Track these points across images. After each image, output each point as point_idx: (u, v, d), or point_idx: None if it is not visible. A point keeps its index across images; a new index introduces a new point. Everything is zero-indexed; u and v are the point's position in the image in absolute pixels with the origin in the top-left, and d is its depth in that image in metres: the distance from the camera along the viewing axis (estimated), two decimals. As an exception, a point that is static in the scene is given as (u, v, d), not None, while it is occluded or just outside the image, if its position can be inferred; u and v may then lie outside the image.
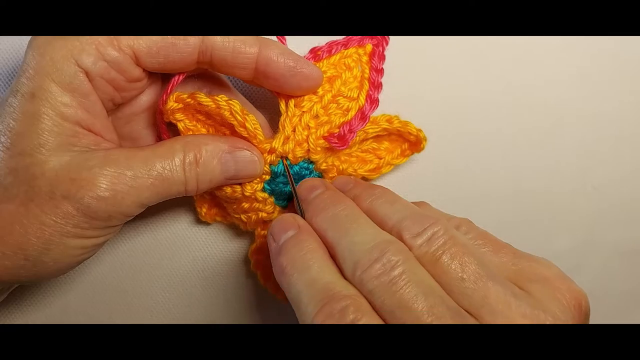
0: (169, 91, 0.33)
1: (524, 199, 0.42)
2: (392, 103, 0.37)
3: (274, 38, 0.34)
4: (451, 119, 0.41)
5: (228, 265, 0.41)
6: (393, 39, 0.37)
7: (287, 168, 0.35)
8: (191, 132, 0.34)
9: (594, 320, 0.43)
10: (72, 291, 0.40)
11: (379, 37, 0.36)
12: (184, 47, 0.31)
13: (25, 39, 0.30)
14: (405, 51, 0.38)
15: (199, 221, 0.40)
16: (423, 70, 0.40)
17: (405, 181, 0.41)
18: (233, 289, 0.42)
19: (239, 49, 0.31)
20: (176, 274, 0.41)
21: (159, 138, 0.35)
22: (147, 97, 0.34)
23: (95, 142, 0.31)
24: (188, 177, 0.32)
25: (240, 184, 0.35)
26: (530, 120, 0.41)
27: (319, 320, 0.26)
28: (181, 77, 0.33)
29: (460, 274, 0.27)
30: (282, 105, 0.35)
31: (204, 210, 0.39)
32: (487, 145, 0.41)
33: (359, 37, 0.36)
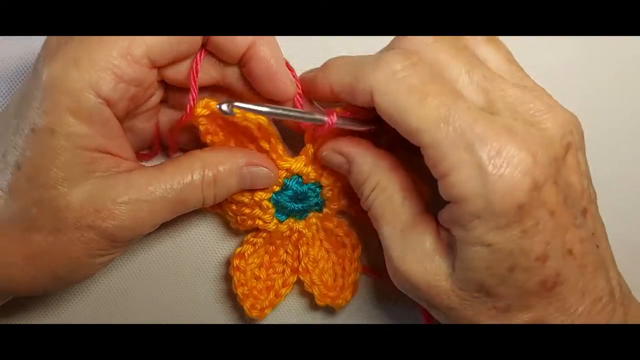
0: (194, 93, 0.33)
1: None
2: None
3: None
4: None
5: (214, 263, 0.41)
6: (384, 39, 0.36)
7: None
8: (210, 137, 0.34)
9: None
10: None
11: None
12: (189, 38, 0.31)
13: (26, 40, 0.30)
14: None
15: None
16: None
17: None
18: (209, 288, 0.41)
19: (233, 38, 0.32)
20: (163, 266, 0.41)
21: (158, 130, 0.36)
22: (150, 102, 0.35)
23: (115, 164, 0.31)
24: (206, 196, 0.33)
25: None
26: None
27: None
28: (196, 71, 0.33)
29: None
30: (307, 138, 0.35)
31: None
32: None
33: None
